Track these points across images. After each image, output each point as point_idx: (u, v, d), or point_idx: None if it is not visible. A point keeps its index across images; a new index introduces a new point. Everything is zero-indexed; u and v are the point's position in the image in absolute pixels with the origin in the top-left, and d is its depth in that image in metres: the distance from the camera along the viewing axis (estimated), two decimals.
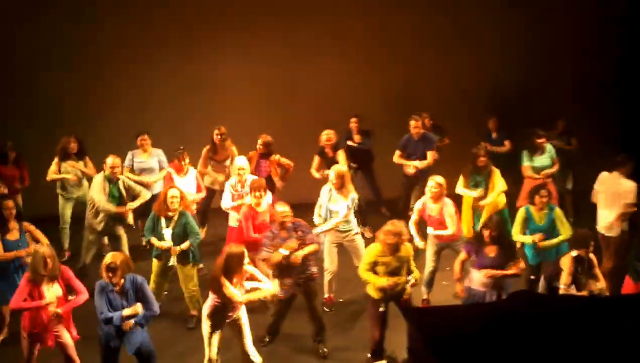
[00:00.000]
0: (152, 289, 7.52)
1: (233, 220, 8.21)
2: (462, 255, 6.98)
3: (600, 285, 6.66)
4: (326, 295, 8.06)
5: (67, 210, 9.05)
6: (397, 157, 9.58)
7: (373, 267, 6.56)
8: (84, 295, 6.11)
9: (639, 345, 4.64)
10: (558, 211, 7.51)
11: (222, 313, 6.31)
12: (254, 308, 7.04)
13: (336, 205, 7.76)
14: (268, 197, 7.98)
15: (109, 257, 5.82)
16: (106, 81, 10.52)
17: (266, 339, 7.14)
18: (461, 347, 4.77)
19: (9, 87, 10.29)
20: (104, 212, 7.99)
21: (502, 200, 8.56)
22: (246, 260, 6.24)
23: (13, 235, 6.94)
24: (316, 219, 7.89)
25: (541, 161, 9.14)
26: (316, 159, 9.29)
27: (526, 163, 9.14)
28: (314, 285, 7.08)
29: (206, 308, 6.36)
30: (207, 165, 9.26)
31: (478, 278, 6.72)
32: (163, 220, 7.44)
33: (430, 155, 9.45)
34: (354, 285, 8.25)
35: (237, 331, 6.46)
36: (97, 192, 7.97)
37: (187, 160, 8.62)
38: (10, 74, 10.26)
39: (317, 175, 9.14)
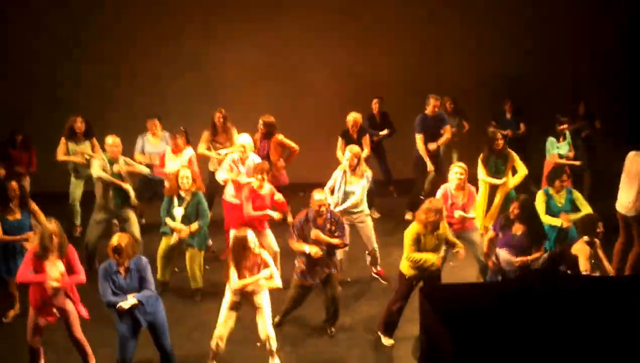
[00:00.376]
0: (159, 266, 7.70)
1: (228, 195, 8.20)
2: (490, 233, 7.08)
3: (605, 266, 6.72)
4: None
5: (77, 189, 9.16)
6: (421, 142, 9.38)
7: (418, 247, 6.53)
8: (81, 277, 6.10)
9: None
10: (576, 192, 7.55)
11: (237, 293, 6.33)
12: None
13: (352, 186, 7.78)
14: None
15: (116, 239, 5.83)
16: (114, 65, 10.67)
17: (275, 319, 7.11)
18: (475, 322, 4.80)
19: (25, 73, 10.53)
20: (98, 179, 8.01)
21: (511, 182, 8.49)
22: (252, 244, 6.21)
23: (14, 216, 7.02)
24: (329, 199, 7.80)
25: (563, 148, 9.19)
26: (340, 141, 9.20)
27: (554, 151, 9.14)
28: (335, 277, 7.00)
29: (227, 287, 6.39)
30: (210, 148, 9.25)
31: (504, 257, 6.82)
32: (176, 200, 7.49)
33: (448, 129, 9.57)
34: (362, 265, 8.32)
35: (256, 313, 6.45)
36: (95, 168, 8.02)
37: (181, 140, 8.61)
38: (27, 63, 10.52)
39: (342, 157, 8.87)
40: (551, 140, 9.20)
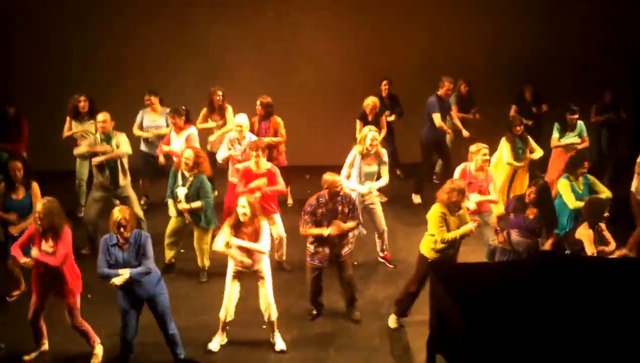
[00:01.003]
0: (166, 246, 7.66)
1: (230, 175, 8.21)
2: (501, 209, 7.18)
3: (611, 247, 6.71)
4: None
5: (83, 168, 9.11)
6: (439, 120, 9.25)
7: (446, 226, 6.46)
8: (53, 260, 5.97)
9: None
10: (591, 177, 7.69)
11: (240, 263, 6.37)
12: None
13: (371, 167, 7.73)
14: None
15: (118, 213, 5.79)
16: (114, 41, 10.57)
17: (313, 312, 7.09)
18: (485, 300, 4.80)
19: (25, 50, 10.49)
20: (78, 157, 8.15)
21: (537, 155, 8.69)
22: (241, 210, 6.23)
23: (17, 195, 7.04)
24: (346, 182, 7.64)
25: (570, 139, 9.04)
26: (358, 123, 9.09)
27: (555, 134, 9.08)
28: (347, 261, 6.96)
29: (229, 259, 6.45)
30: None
31: (514, 238, 6.86)
32: (180, 179, 7.44)
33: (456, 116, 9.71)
34: (369, 249, 8.28)
35: (259, 284, 6.50)
36: (79, 147, 8.04)
37: (179, 120, 8.50)
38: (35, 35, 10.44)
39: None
40: (557, 125, 9.12)
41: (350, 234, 6.96)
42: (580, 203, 7.28)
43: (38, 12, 10.46)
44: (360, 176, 7.73)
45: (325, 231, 6.63)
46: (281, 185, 7.61)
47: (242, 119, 8.23)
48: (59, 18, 10.49)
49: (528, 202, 6.82)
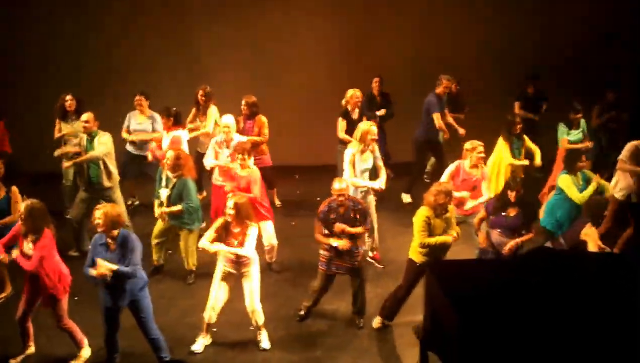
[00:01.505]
0: (153, 248, 7.63)
1: (215, 178, 8.13)
2: (482, 213, 7.06)
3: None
4: None
5: (70, 169, 8.95)
6: (439, 120, 9.19)
7: (428, 232, 6.46)
8: (29, 264, 5.94)
9: None
10: (588, 171, 7.69)
11: (228, 263, 6.39)
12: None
13: (367, 163, 7.72)
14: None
15: (96, 213, 5.81)
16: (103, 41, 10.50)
17: (301, 312, 7.07)
18: (479, 296, 4.80)
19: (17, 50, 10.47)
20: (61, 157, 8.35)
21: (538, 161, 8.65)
22: (228, 211, 6.26)
23: None
24: (356, 181, 7.66)
25: (575, 136, 9.12)
26: (341, 122, 8.92)
27: (564, 135, 9.10)
28: (360, 266, 6.92)
29: (219, 259, 6.47)
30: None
31: (495, 238, 6.80)
32: (164, 180, 7.42)
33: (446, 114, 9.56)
34: None
35: (245, 286, 6.48)
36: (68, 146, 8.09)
37: (167, 120, 8.54)
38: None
39: (347, 137, 8.59)
40: (562, 125, 9.15)
41: (362, 247, 6.89)
42: (586, 196, 7.29)
43: (22, 13, 10.42)
44: (359, 173, 7.70)
45: (334, 242, 6.65)
46: (254, 193, 7.42)
47: (229, 119, 8.13)
48: (49, 18, 10.43)
49: (514, 200, 6.75)
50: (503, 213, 6.79)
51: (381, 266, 8.06)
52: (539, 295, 4.84)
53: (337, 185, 6.71)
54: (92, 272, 5.71)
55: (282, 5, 10.71)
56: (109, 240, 5.82)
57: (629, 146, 8.07)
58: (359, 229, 6.76)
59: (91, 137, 7.96)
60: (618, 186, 8.08)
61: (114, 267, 5.69)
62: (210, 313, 6.44)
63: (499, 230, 6.80)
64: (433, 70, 9.54)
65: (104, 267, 5.68)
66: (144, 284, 6.00)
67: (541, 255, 5.76)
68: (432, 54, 10.71)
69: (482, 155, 7.57)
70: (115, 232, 5.81)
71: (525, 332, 4.53)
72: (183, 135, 8.60)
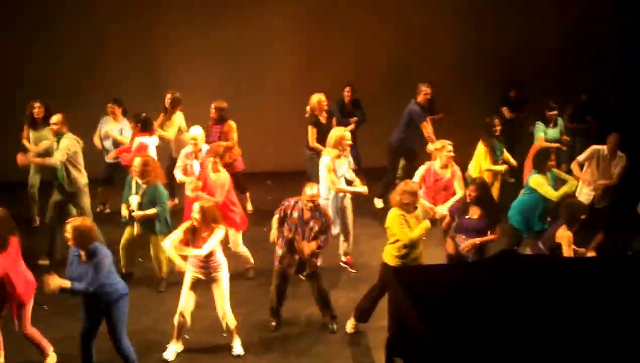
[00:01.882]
0: (122, 256, 7.56)
1: (189, 190, 8.00)
2: (447, 218, 7.02)
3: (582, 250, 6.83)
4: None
5: (37, 176, 8.94)
6: (429, 127, 9.20)
7: (406, 226, 6.41)
8: None
9: (616, 303, 4.76)
10: (555, 170, 7.75)
11: (196, 269, 6.37)
12: (233, 275, 6.92)
13: (342, 168, 7.76)
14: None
15: (67, 226, 5.74)
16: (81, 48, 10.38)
17: (272, 323, 6.99)
18: (448, 306, 4.81)
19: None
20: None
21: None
22: (194, 215, 6.25)
23: None
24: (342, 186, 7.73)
25: (552, 134, 9.28)
26: (312, 130, 8.92)
27: (541, 133, 9.23)
28: (318, 272, 6.89)
29: (188, 265, 6.43)
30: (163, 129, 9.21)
31: (460, 243, 6.75)
32: (134, 187, 7.37)
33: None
34: (330, 253, 8.20)
35: (215, 291, 6.45)
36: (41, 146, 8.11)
37: (134, 127, 8.56)
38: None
39: (319, 146, 8.62)
40: (539, 123, 9.29)
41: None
42: (563, 191, 7.32)
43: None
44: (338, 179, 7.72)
45: (273, 236, 6.72)
46: (217, 197, 7.39)
47: (197, 131, 8.09)
48: (19, 25, 10.31)
49: (469, 201, 6.71)
50: (467, 216, 6.73)
51: (354, 270, 8.08)
52: (507, 299, 4.87)
53: (308, 191, 6.66)
54: (51, 285, 5.52)
55: (253, 11, 10.68)
56: (82, 252, 5.75)
57: (590, 149, 8.23)
58: (313, 245, 6.67)
59: (59, 139, 7.86)
60: (583, 190, 8.21)
61: (67, 284, 5.57)
62: (180, 319, 6.39)
63: (464, 235, 6.71)
64: (407, 76, 9.71)
65: (54, 283, 5.53)
66: (120, 296, 5.87)
67: (506, 258, 5.80)
68: (406, 58, 10.84)
69: (451, 154, 7.58)
70: (87, 245, 5.72)
71: (493, 337, 4.53)
72: (150, 141, 8.53)
